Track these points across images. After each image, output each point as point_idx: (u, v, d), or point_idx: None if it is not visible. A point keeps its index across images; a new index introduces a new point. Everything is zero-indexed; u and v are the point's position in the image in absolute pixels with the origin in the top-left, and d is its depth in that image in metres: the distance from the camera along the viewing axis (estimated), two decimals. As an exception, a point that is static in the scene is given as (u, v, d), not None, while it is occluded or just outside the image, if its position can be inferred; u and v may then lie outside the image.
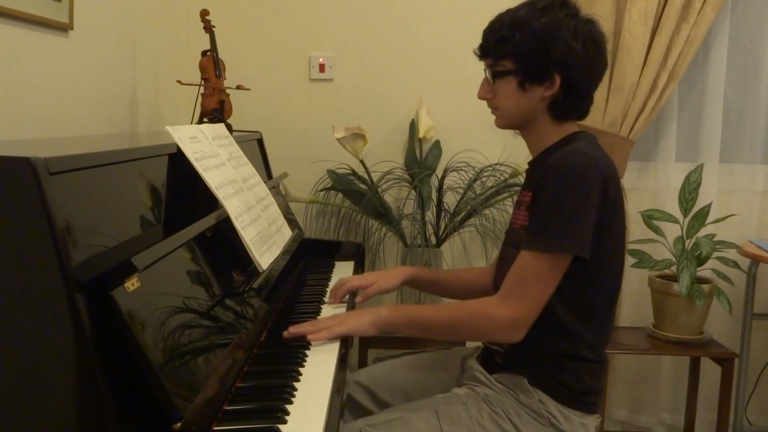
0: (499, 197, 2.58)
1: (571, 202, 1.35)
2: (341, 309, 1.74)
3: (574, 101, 1.48)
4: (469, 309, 1.46)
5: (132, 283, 0.97)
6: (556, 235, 1.36)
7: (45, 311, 0.88)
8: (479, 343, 1.65)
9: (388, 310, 1.50)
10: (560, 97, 1.46)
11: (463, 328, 1.47)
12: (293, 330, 1.47)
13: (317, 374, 1.31)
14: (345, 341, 1.49)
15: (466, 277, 1.86)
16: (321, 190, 2.68)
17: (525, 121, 1.51)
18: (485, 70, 1.53)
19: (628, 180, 2.71)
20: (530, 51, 1.43)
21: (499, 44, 1.46)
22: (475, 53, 1.54)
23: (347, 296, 1.78)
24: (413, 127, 2.71)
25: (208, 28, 2.06)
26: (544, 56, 1.42)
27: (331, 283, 1.93)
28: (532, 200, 1.44)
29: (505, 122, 1.54)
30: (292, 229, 1.88)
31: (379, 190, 2.60)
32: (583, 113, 1.53)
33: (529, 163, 1.58)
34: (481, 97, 1.54)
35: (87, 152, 1.03)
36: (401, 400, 1.61)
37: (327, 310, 1.71)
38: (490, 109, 1.56)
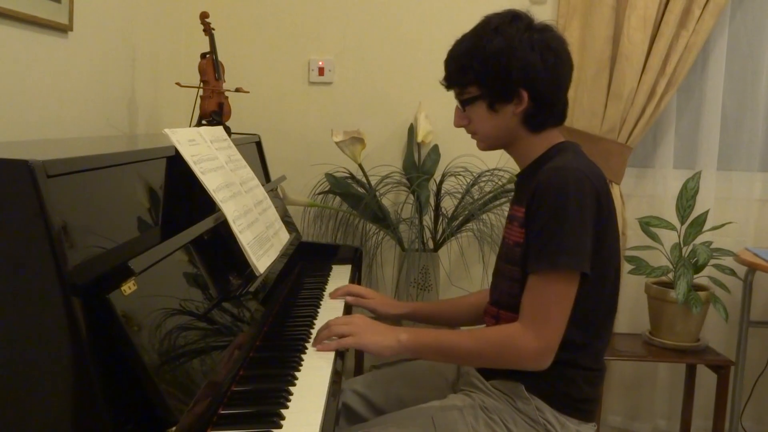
0: (497, 202, 2.58)
1: (567, 220, 1.35)
2: (339, 303, 1.78)
3: (546, 110, 1.48)
4: (494, 338, 1.43)
5: (129, 287, 0.96)
6: (557, 253, 1.35)
7: (41, 314, 0.88)
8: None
9: (408, 335, 1.44)
10: (532, 110, 1.46)
11: (489, 357, 1.43)
12: (315, 344, 1.46)
13: (313, 379, 1.31)
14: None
15: (466, 303, 1.81)
16: (319, 194, 2.69)
17: (505, 139, 1.52)
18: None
19: (625, 186, 2.71)
20: (490, 74, 1.44)
21: (460, 73, 1.48)
22: (442, 84, 1.55)
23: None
24: (412, 131, 2.71)
25: (208, 30, 2.06)
26: (504, 76, 1.43)
27: (328, 287, 1.93)
28: (526, 217, 1.43)
29: (486, 144, 1.55)
30: (289, 232, 1.88)
31: (377, 194, 2.60)
32: (560, 118, 1.52)
33: (518, 176, 1.59)
34: (457, 126, 1.55)
35: (85, 155, 1.03)
36: (397, 408, 1.61)
37: (323, 315, 1.70)
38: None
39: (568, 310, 1.37)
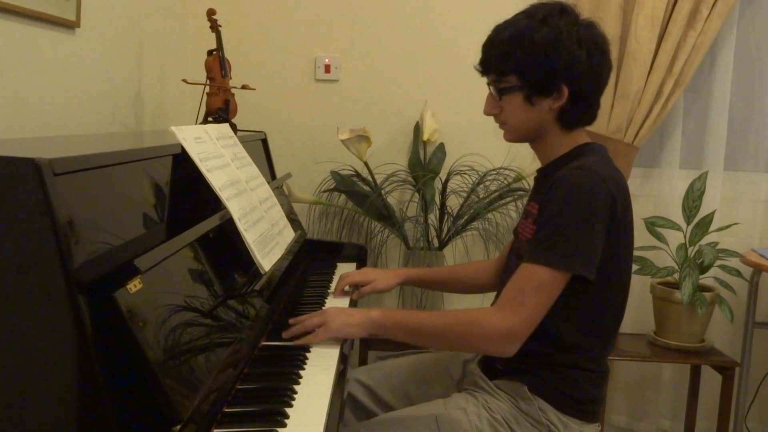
0: (503, 201, 2.58)
1: (573, 220, 1.33)
2: (344, 302, 1.78)
3: (582, 109, 1.45)
4: (462, 317, 1.42)
5: (134, 285, 0.97)
6: (553, 250, 1.34)
7: (47, 311, 0.88)
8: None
9: (379, 312, 1.45)
10: (569, 107, 1.42)
11: (453, 336, 1.42)
12: (286, 334, 1.47)
13: (317, 377, 1.31)
14: (344, 343, 1.49)
15: (464, 274, 1.86)
16: (324, 191, 2.69)
17: (534, 133, 1.48)
18: (489, 85, 1.49)
19: (631, 186, 2.64)
20: (535, 65, 1.39)
21: (502, 60, 1.42)
22: (476, 69, 1.50)
23: (350, 288, 1.83)
24: (418, 129, 2.71)
25: (215, 27, 2.07)
26: (549, 69, 1.39)
27: (333, 285, 1.93)
28: (538, 213, 1.41)
29: (514, 136, 1.51)
30: (294, 229, 1.88)
31: (383, 192, 2.60)
32: (592, 118, 1.49)
33: (538, 171, 1.56)
34: (487, 113, 1.51)
35: (91, 153, 1.03)
36: (402, 400, 1.61)
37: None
38: (497, 124, 1.53)
39: (548, 303, 1.35)
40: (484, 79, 1.52)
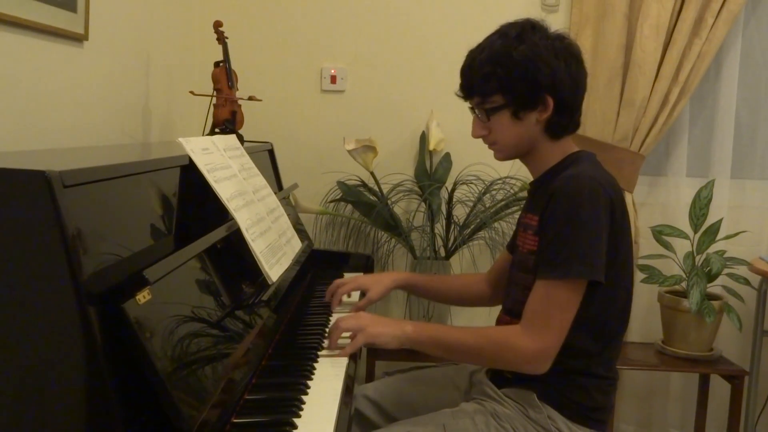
0: (509, 210, 2.58)
1: (581, 228, 1.36)
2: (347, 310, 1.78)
3: (567, 117, 1.48)
4: (494, 338, 1.45)
5: (143, 296, 0.97)
6: (570, 261, 1.35)
7: (57, 323, 0.89)
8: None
9: (414, 327, 1.49)
10: (555, 117, 1.46)
11: (488, 356, 1.46)
12: (328, 346, 1.52)
13: (325, 387, 1.31)
14: (353, 354, 1.50)
15: (458, 284, 1.89)
16: (331, 201, 2.69)
17: (525, 148, 1.52)
18: (472, 109, 1.52)
19: (638, 195, 2.70)
20: (518, 81, 1.43)
21: (485, 82, 1.45)
22: (458, 95, 1.54)
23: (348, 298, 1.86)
24: (424, 139, 2.72)
25: (221, 39, 2.08)
26: (532, 83, 1.42)
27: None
28: (539, 225, 1.43)
29: (505, 154, 1.55)
30: (301, 240, 1.88)
31: (389, 201, 2.60)
32: (577, 126, 1.53)
33: (531, 184, 1.59)
34: (476, 136, 1.54)
35: (101, 165, 1.04)
36: (408, 415, 1.60)
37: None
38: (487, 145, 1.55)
39: (571, 317, 1.38)
40: None
